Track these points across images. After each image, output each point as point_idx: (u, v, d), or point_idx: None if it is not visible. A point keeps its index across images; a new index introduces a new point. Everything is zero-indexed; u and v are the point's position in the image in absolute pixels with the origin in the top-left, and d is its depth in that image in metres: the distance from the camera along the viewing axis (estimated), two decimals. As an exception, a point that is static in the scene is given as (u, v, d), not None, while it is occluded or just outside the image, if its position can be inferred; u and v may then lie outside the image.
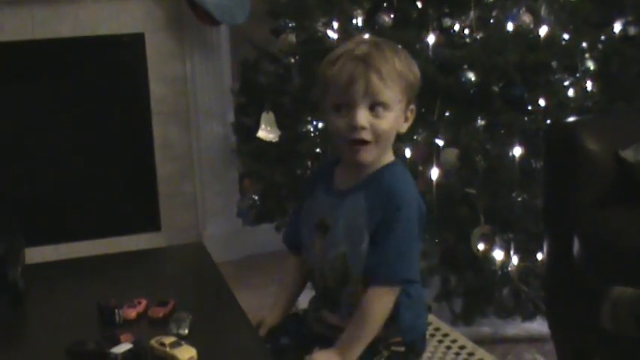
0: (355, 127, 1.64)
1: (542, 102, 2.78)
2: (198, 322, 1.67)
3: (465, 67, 2.75)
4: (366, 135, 1.65)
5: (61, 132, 3.62)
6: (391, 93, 1.64)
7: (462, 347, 1.92)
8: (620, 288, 1.93)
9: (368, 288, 1.66)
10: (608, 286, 1.94)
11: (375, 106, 1.65)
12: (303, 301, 1.90)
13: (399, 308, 1.71)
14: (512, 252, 2.76)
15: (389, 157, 1.74)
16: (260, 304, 2.94)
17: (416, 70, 1.71)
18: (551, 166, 2.44)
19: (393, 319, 1.71)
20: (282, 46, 3.14)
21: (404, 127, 1.71)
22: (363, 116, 1.64)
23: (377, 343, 1.70)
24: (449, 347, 1.92)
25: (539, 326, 2.83)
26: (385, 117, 1.65)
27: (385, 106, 1.65)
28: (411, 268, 1.70)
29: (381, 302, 1.67)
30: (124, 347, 1.53)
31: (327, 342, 1.72)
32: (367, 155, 1.68)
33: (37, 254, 2.74)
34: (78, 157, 3.67)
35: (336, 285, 1.73)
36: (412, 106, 1.71)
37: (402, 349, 1.73)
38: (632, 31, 3.00)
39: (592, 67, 2.87)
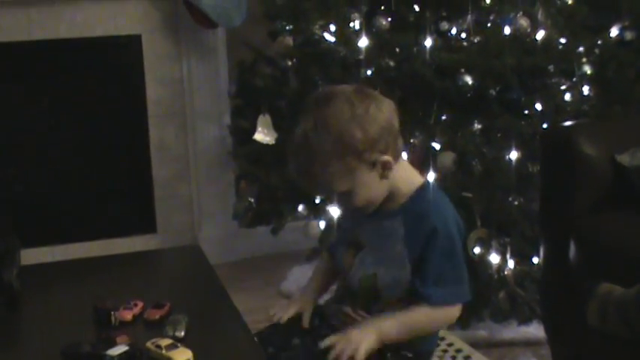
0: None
1: (538, 106, 2.78)
2: (195, 325, 1.66)
3: (462, 70, 2.75)
4: (355, 208, 1.70)
5: (57, 133, 3.62)
6: (339, 183, 1.64)
7: (458, 350, 1.92)
8: (607, 285, 1.93)
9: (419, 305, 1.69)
10: (596, 284, 1.94)
11: (338, 196, 1.69)
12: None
13: None
14: (508, 256, 2.76)
15: (414, 179, 1.74)
16: (256, 306, 2.94)
17: (356, 135, 1.60)
18: (547, 170, 2.44)
19: None
20: (279, 48, 3.14)
21: (387, 174, 1.66)
22: (337, 204, 1.77)
23: (386, 349, 1.71)
24: (445, 350, 1.92)
25: (535, 330, 2.83)
26: (352, 197, 1.67)
27: (345, 192, 1.66)
28: (460, 289, 1.71)
29: (431, 317, 1.70)
30: (119, 349, 1.53)
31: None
32: (366, 212, 1.72)
33: (32, 256, 2.72)
34: (74, 159, 3.66)
35: (365, 302, 1.76)
36: (381, 159, 1.64)
37: (410, 355, 1.74)
38: (628, 35, 3.00)
39: (589, 72, 2.88)
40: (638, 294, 1.86)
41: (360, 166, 1.63)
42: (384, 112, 1.65)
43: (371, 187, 1.67)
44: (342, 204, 1.72)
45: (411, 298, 1.69)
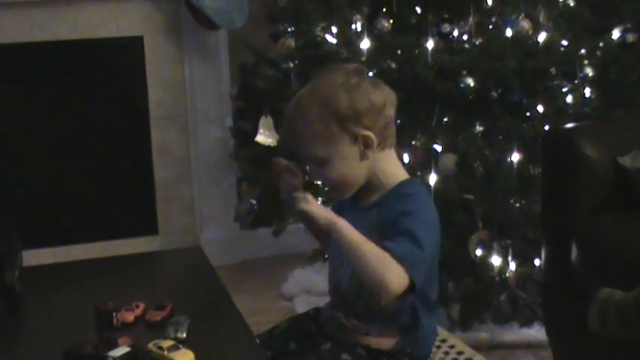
0: (316, 182, 1.73)
1: (540, 108, 2.78)
2: (196, 326, 1.67)
3: (464, 72, 2.75)
4: (326, 186, 1.73)
5: (59, 135, 3.62)
6: (318, 147, 1.65)
7: (460, 353, 1.92)
8: (607, 290, 1.93)
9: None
10: (596, 289, 1.94)
11: (315, 162, 1.68)
12: (312, 302, 1.90)
13: (420, 318, 1.71)
14: (509, 258, 2.76)
15: (398, 173, 1.73)
16: (257, 308, 2.94)
17: (342, 102, 1.62)
18: (549, 172, 2.44)
19: (415, 328, 1.71)
20: (281, 50, 3.14)
21: (369, 153, 1.66)
22: (312, 173, 1.70)
23: (382, 355, 1.71)
24: (447, 353, 1.92)
25: (536, 332, 2.83)
26: (327, 167, 1.67)
27: (321, 160, 1.66)
28: (410, 268, 1.58)
29: (379, 259, 1.57)
30: (121, 351, 1.53)
31: (337, 341, 1.73)
32: (342, 196, 1.72)
33: (34, 257, 2.74)
34: (76, 160, 3.66)
35: (352, 297, 1.74)
36: (363, 133, 1.63)
37: (407, 359, 1.74)
38: (630, 38, 3.00)
39: (590, 74, 2.88)
40: (638, 297, 1.86)
41: (341, 136, 1.64)
42: (378, 94, 1.66)
43: (348, 163, 1.66)
44: (318, 176, 1.69)
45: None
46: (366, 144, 1.65)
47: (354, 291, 1.73)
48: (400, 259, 1.56)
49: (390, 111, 1.68)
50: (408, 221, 1.61)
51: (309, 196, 1.64)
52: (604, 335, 1.93)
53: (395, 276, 1.56)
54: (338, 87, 1.64)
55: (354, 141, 1.64)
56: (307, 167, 1.71)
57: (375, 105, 1.65)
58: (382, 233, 1.62)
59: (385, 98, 1.67)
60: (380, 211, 1.69)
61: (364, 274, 1.60)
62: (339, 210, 1.83)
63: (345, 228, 1.60)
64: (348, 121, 1.63)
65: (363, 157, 1.66)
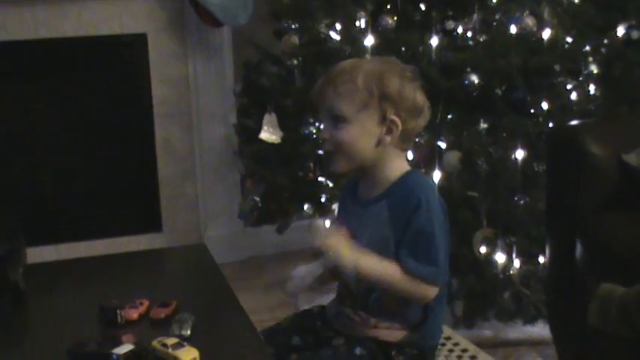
0: (322, 140, 1.73)
1: (544, 105, 2.78)
2: (201, 324, 1.66)
3: (468, 69, 2.75)
4: (329, 146, 1.72)
5: (63, 132, 3.62)
6: (347, 106, 1.68)
7: (464, 350, 1.92)
8: (608, 285, 1.93)
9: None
10: (596, 285, 1.94)
11: (334, 119, 1.70)
12: (316, 299, 1.90)
13: (430, 313, 1.73)
14: (514, 255, 2.76)
15: (402, 166, 1.75)
16: (262, 305, 2.94)
17: (393, 83, 1.69)
18: (553, 169, 2.44)
19: (425, 321, 1.73)
20: (285, 47, 3.14)
21: (388, 139, 1.70)
22: (324, 128, 1.72)
23: (390, 347, 1.71)
24: (451, 350, 1.92)
25: (540, 330, 2.83)
26: (344, 128, 1.69)
27: (342, 118, 1.69)
28: (434, 270, 1.67)
29: (404, 283, 1.66)
30: (125, 348, 1.53)
31: (348, 336, 1.74)
32: (336, 166, 1.74)
33: (38, 254, 2.73)
34: (79, 157, 3.66)
35: (364, 291, 1.75)
36: (392, 117, 1.69)
37: (415, 351, 1.74)
38: (635, 34, 2.99)
39: (595, 71, 2.87)
40: (639, 293, 1.86)
41: (374, 110, 1.68)
42: (423, 99, 1.73)
43: (364, 137, 1.69)
44: (327, 133, 1.71)
45: None
46: (390, 130, 1.69)
47: (364, 285, 1.74)
48: (424, 279, 1.66)
49: (422, 121, 1.75)
50: (422, 224, 1.65)
51: (336, 246, 1.67)
52: (604, 331, 1.93)
53: (426, 291, 1.68)
54: (395, 71, 1.70)
55: (381, 121, 1.69)
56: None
57: (417, 104, 1.71)
58: (394, 228, 1.67)
59: (425, 106, 1.74)
60: (388, 204, 1.71)
61: (399, 296, 1.69)
62: (341, 209, 1.84)
63: (369, 264, 1.66)
64: (388, 101, 1.68)
65: (379, 141, 1.70)
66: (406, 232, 1.66)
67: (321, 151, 2.94)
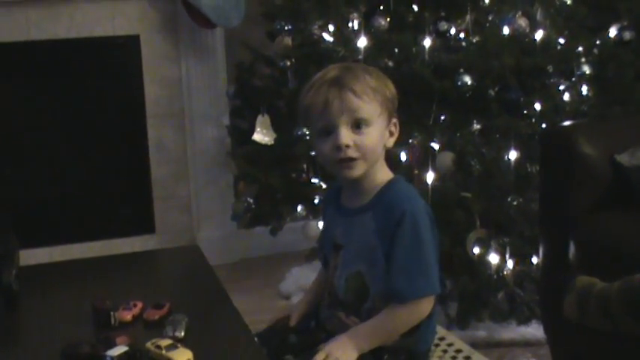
0: (340, 147, 1.65)
1: (537, 106, 2.78)
2: (194, 325, 1.66)
3: (461, 70, 2.75)
4: (352, 153, 1.66)
5: (56, 134, 3.62)
6: (369, 107, 1.65)
7: (458, 351, 1.91)
8: (585, 278, 1.94)
9: (389, 304, 1.68)
10: (572, 277, 1.94)
11: (356, 124, 1.65)
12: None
13: (424, 319, 1.72)
14: (507, 256, 2.76)
15: (387, 174, 1.74)
16: (255, 306, 2.93)
17: (391, 85, 1.71)
18: (546, 170, 2.44)
19: (417, 326, 1.72)
20: (277, 48, 3.14)
21: (390, 142, 1.71)
22: (344, 135, 1.65)
23: (382, 351, 1.71)
24: (445, 351, 1.92)
25: (534, 330, 2.83)
26: (367, 132, 1.66)
27: (366, 121, 1.65)
28: (428, 281, 1.67)
29: (401, 318, 1.68)
30: (119, 350, 1.53)
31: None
32: (355, 171, 1.68)
33: (31, 256, 2.73)
34: (72, 159, 3.66)
35: (356, 301, 1.74)
36: (394, 120, 1.71)
37: (408, 355, 1.74)
38: (627, 35, 3.00)
39: (587, 72, 2.88)
40: (622, 288, 1.86)
41: (384, 113, 1.67)
42: None
43: (379, 139, 1.68)
44: (349, 139, 1.65)
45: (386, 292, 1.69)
46: (392, 132, 1.71)
47: (353, 295, 1.73)
48: (419, 297, 1.67)
49: None
50: (407, 238, 1.64)
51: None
52: (580, 323, 1.93)
53: (422, 308, 1.68)
54: (380, 73, 1.72)
55: (387, 123, 1.69)
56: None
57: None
58: (381, 238, 1.66)
59: None
60: (375, 213, 1.69)
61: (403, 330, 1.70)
62: (324, 217, 1.83)
63: (369, 341, 1.67)
64: (392, 104, 1.69)
65: (386, 142, 1.70)
66: (393, 246, 1.65)
67: (322, 156, 2.94)
